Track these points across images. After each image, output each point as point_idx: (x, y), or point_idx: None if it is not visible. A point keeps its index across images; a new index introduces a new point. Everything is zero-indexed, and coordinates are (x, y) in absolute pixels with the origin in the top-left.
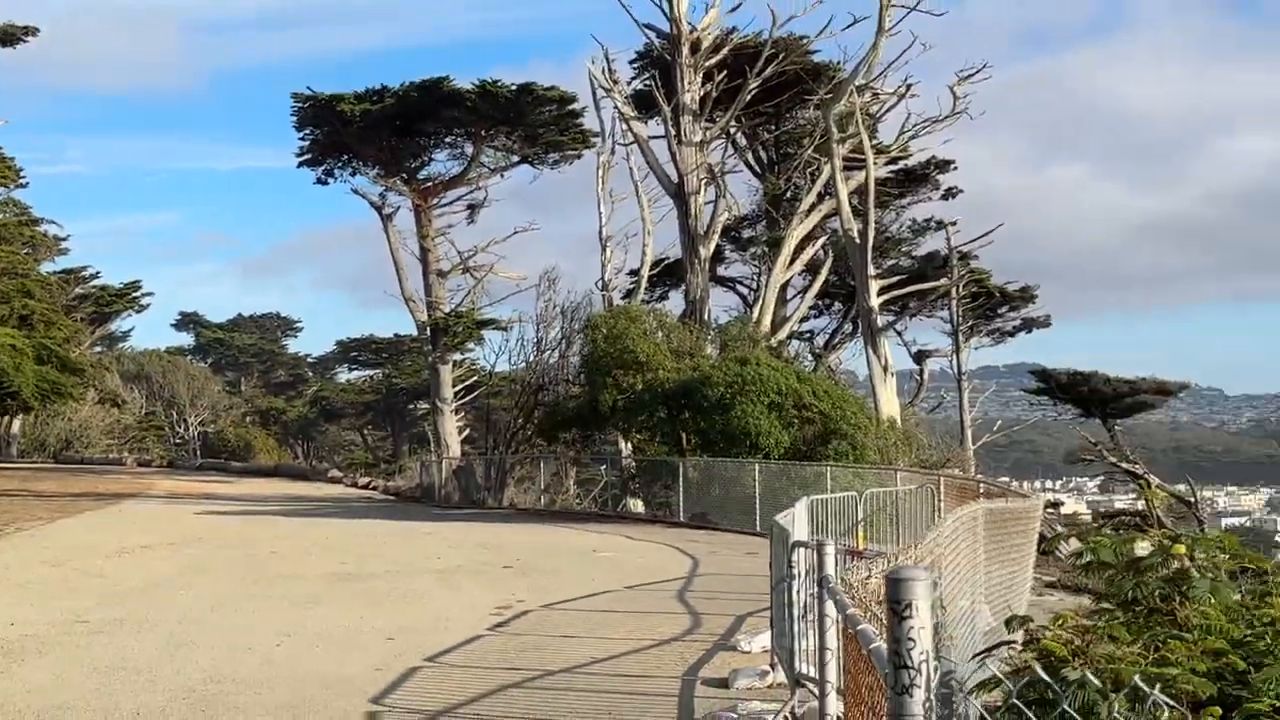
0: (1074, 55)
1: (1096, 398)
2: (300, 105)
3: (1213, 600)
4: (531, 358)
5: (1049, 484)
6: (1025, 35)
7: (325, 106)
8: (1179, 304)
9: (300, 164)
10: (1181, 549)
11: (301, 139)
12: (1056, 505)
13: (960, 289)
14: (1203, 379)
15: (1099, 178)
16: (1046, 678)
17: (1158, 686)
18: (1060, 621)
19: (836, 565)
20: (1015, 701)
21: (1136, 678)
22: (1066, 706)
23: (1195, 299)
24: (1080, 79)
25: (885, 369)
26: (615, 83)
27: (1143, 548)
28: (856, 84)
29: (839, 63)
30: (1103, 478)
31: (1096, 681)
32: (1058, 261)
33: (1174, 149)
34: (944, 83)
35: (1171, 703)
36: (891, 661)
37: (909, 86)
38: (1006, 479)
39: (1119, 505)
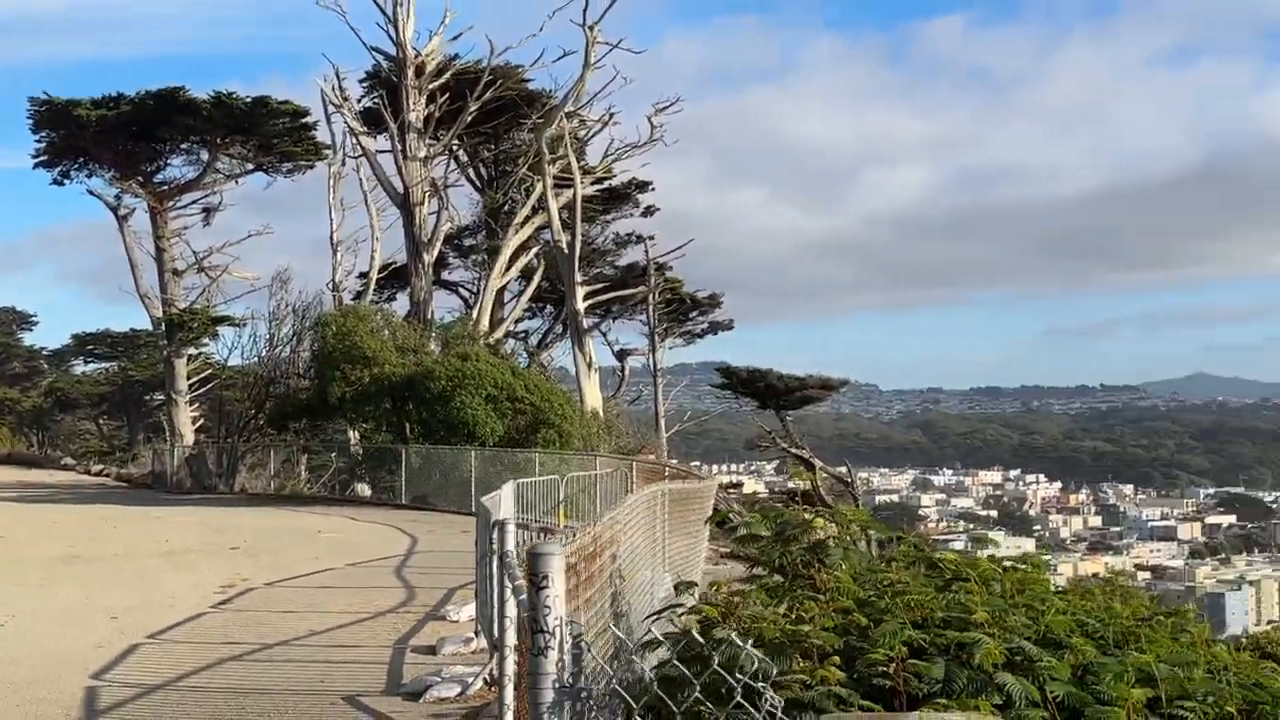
0: (755, 93)
1: (772, 392)
2: (37, 109)
3: (844, 566)
4: (264, 353)
5: (734, 467)
6: (714, 74)
7: (62, 111)
8: (842, 311)
9: (36, 165)
10: (821, 522)
11: (38, 141)
12: (738, 486)
13: (656, 295)
14: (861, 376)
15: (776, 201)
16: (699, 637)
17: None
18: (715, 587)
19: (519, 542)
20: (677, 665)
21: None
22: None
23: (856, 307)
24: (761, 114)
25: (590, 365)
26: (345, 99)
27: (817, 524)
28: (566, 111)
29: (550, 91)
30: (778, 461)
31: (738, 640)
32: (741, 273)
33: (839, 178)
34: (643, 113)
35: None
36: (530, 626)
37: (612, 115)
38: (697, 463)
39: (791, 486)
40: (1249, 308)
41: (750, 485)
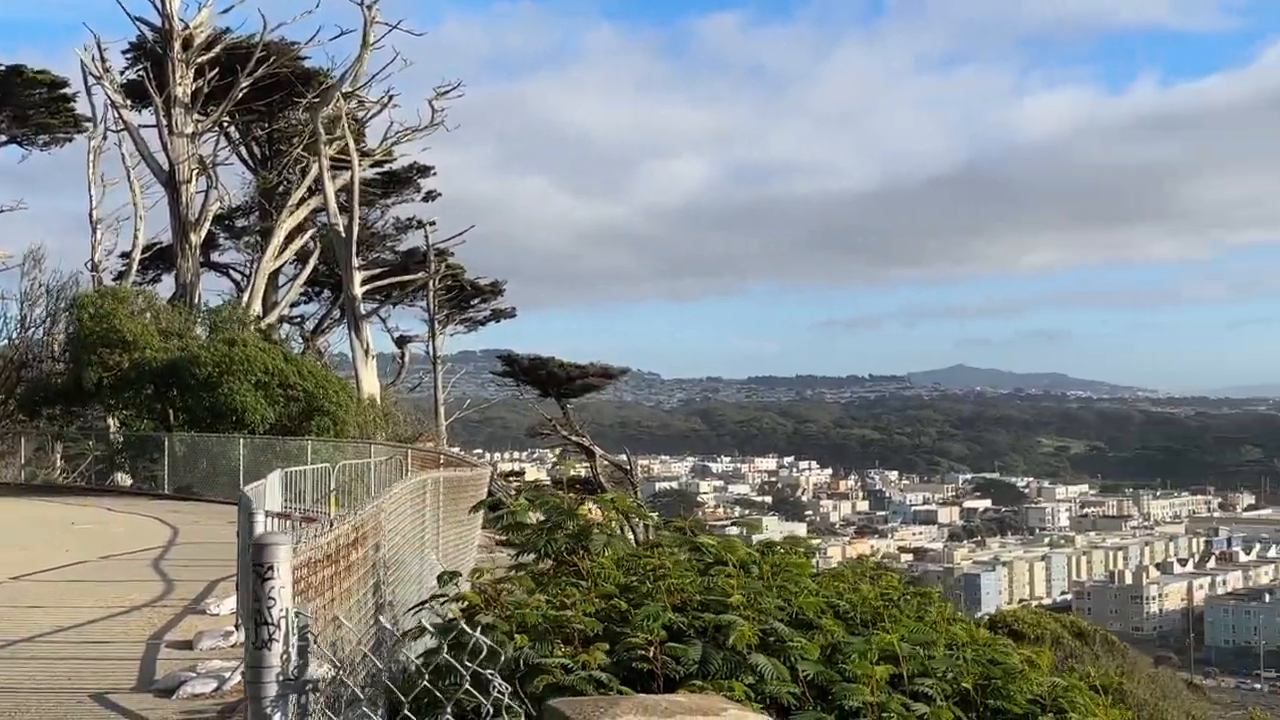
0: (536, 81)
1: (553, 380)
2: None
3: (608, 552)
4: (15, 335)
5: (517, 455)
6: (495, 60)
7: None
8: (625, 300)
9: None
10: (587, 509)
11: None
12: (520, 473)
13: (437, 282)
14: (643, 365)
15: (558, 189)
16: (465, 625)
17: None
18: (478, 574)
19: (269, 532)
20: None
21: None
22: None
23: (638, 296)
24: (542, 102)
25: (367, 352)
26: (106, 70)
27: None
28: (343, 91)
29: (328, 70)
30: (561, 449)
31: (503, 625)
32: (524, 260)
33: (620, 168)
34: (424, 97)
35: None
36: (253, 619)
37: (391, 97)
38: (480, 451)
39: (573, 473)
40: (1005, 303)
41: (533, 473)
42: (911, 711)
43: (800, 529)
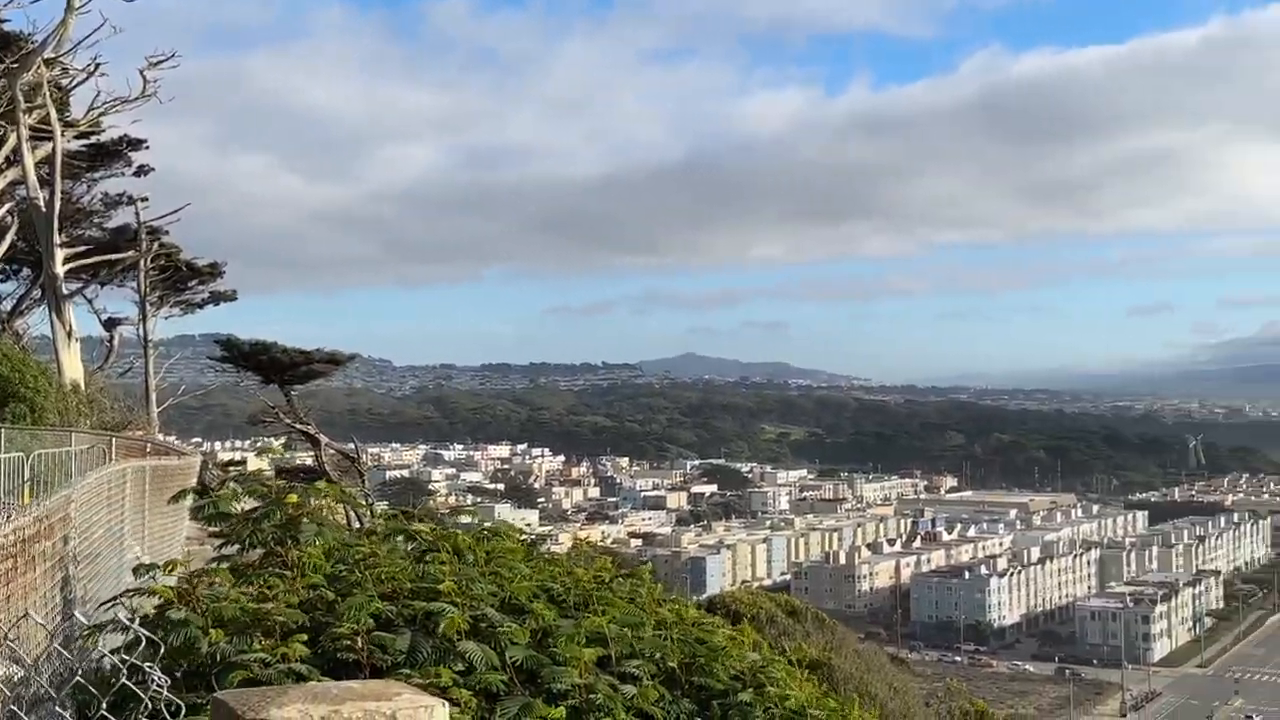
0: (259, 56)
1: (276, 366)
2: None
3: (318, 542)
4: None
5: (240, 443)
6: (215, 32)
7: None
8: (355, 285)
9: None
10: (294, 498)
11: None
12: (241, 462)
13: (149, 261)
14: (374, 351)
15: (282, 168)
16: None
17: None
18: (169, 567)
19: None
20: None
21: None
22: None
23: (369, 281)
24: (265, 78)
25: (70, 335)
26: None
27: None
28: (45, 56)
29: (28, 34)
30: (285, 438)
31: (199, 619)
32: (248, 241)
33: (348, 148)
34: (135, 66)
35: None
36: None
37: (99, 65)
38: (198, 439)
39: (299, 462)
40: (732, 294)
41: (256, 462)
42: (619, 692)
43: (533, 516)
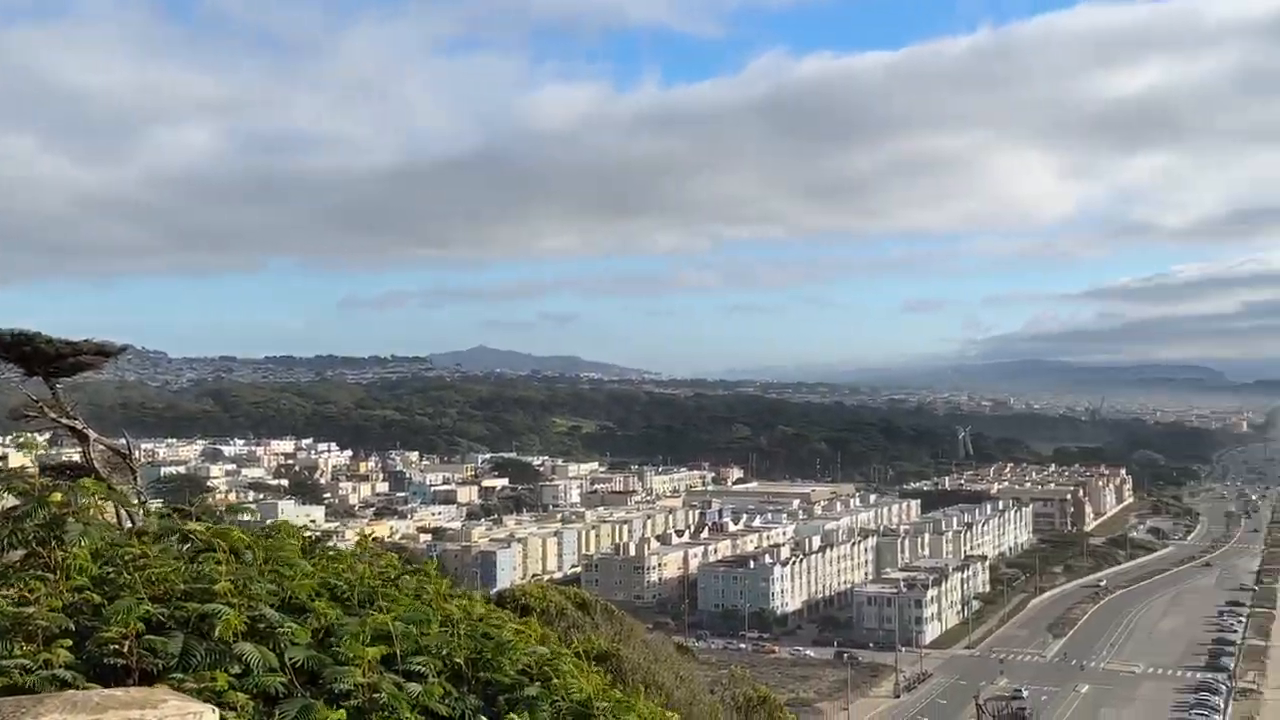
0: (19, 32)
1: (40, 357)
2: None
3: (84, 542)
4: None
5: (4, 439)
6: None
7: None
8: (129, 273)
9: None
10: (58, 497)
11: None
12: (3, 458)
13: None
14: (149, 342)
15: (47, 149)
16: None
17: None
18: None
19: None
20: None
21: None
22: None
23: (144, 269)
24: (25, 55)
25: None
26: None
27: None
28: None
29: None
30: (50, 434)
31: None
32: (7, 226)
33: (121, 131)
34: None
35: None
36: None
37: None
38: None
39: (66, 459)
40: (524, 286)
41: (18, 459)
42: (404, 690)
43: (318, 512)
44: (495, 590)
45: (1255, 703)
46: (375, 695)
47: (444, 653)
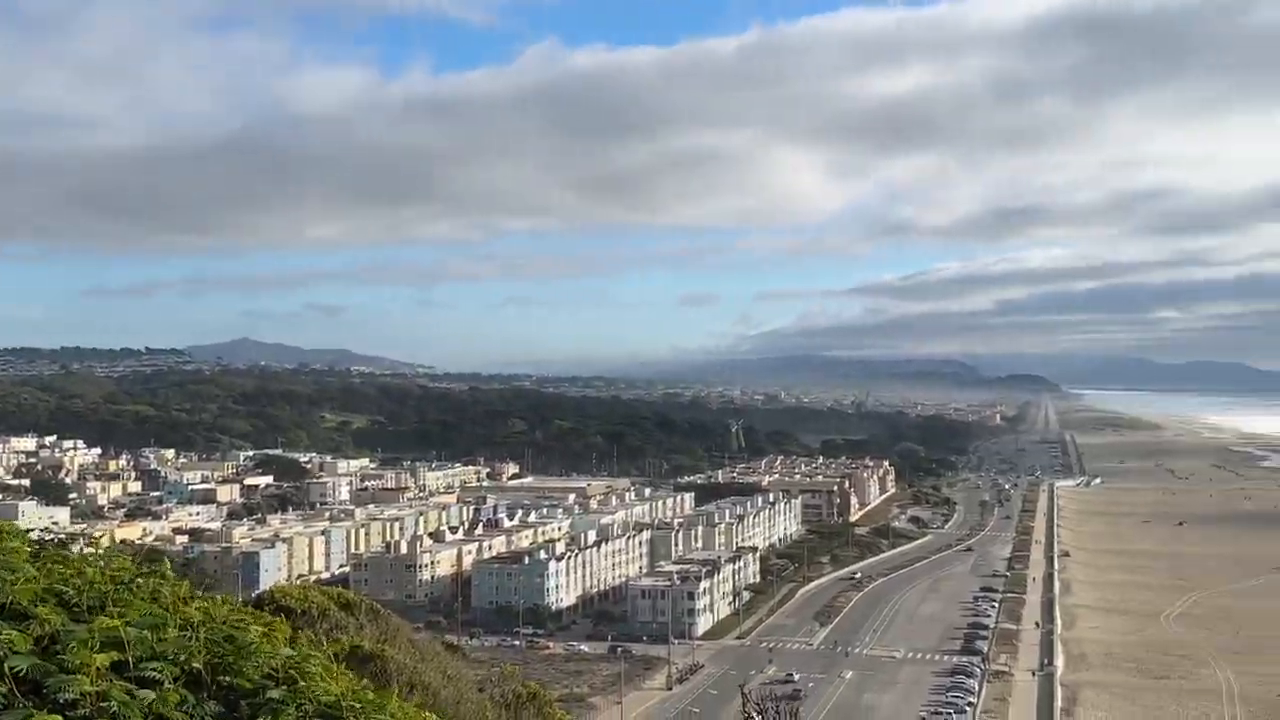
0: None
1: None
2: None
3: None
4: None
5: None
6: None
7: None
8: None
9: None
10: None
11: None
12: None
13: None
14: None
15: None
16: None
17: None
18: None
19: None
20: None
21: None
22: None
23: None
24: None
25: None
26: None
27: None
28: None
29: None
30: None
31: None
32: None
33: None
34: None
35: None
36: None
37: None
38: None
39: None
40: (289, 276)
41: None
42: (136, 698)
43: (62, 514)
44: (255, 593)
45: (1007, 684)
46: (104, 704)
47: (181, 658)
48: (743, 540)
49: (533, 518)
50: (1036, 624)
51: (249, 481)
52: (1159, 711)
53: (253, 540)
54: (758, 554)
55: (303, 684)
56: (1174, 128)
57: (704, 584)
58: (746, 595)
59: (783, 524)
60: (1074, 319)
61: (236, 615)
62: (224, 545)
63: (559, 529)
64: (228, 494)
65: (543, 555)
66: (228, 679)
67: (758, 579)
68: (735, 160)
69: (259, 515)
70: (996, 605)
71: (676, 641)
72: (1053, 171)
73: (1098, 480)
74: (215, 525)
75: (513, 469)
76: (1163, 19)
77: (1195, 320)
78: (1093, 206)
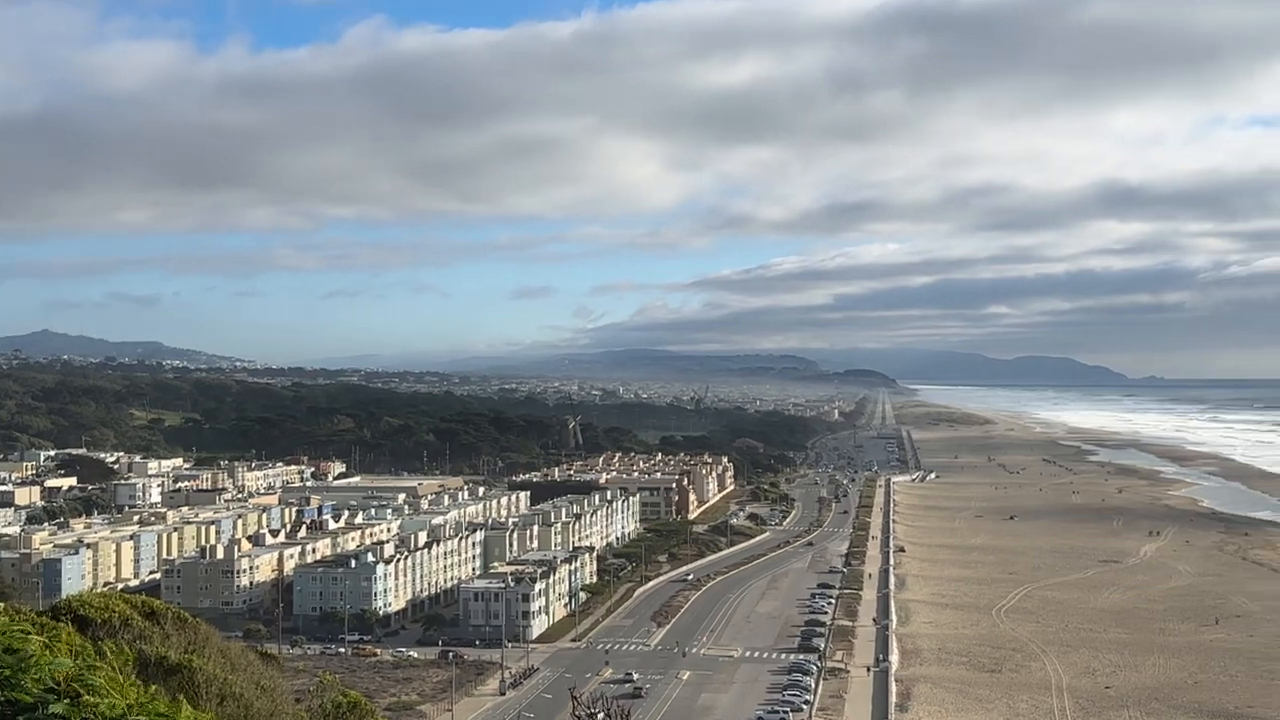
0: None
1: None
2: None
3: None
4: None
5: None
6: None
7: None
8: None
9: None
10: None
11: None
12: None
13: None
14: None
15: None
16: None
17: None
18: None
19: None
20: None
21: None
22: None
23: None
24: None
25: None
26: None
27: None
28: None
29: None
30: None
31: None
32: None
33: None
34: None
35: None
36: None
37: None
38: None
39: None
40: (95, 264)
41: None
42: None
43: None
44: (53, 602)
45: (843, 681)
46: None
47: None
48: (579, 540)
49: (360, 519)
50: (874, 620)
51: (50, 483)
52: (990, 704)
53: (54, 546)
54: (595, 554)
55: (87, 697)
56: (1005, 125)
57: (539, 585)
58: (583, 596)
59: (620, 523)
60: (910, 314)
61: (18, 626)
62: (22, 552)
63: (388, 530)
64: (26, 497)
65: (370, 558)
66: (5, 693)
67: (595, 579)
68: (571, 149)
69: (61, 519)
70: (834, 602)
71: (511, 645)
72: (888, 166)
73: (933, 475)
74: (13, 530)
75: (339, 468)
76: (995, 15)
77: (1026, 316)
78: (927, 202)
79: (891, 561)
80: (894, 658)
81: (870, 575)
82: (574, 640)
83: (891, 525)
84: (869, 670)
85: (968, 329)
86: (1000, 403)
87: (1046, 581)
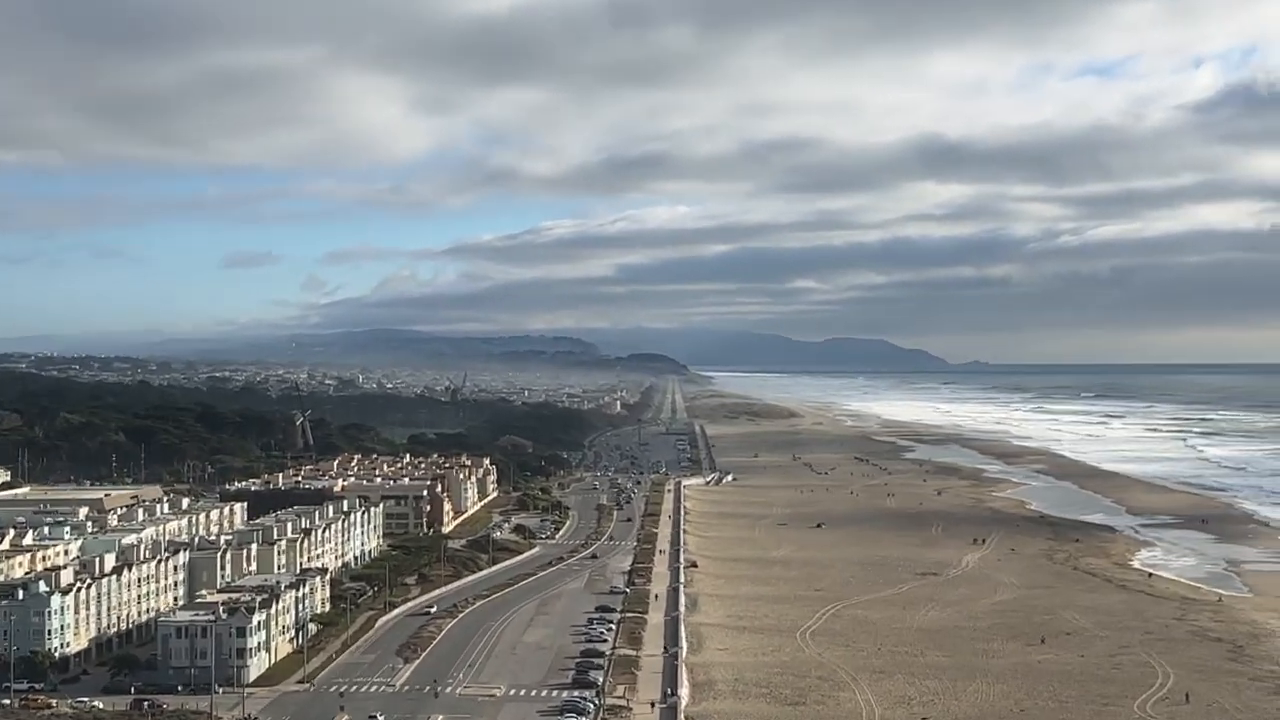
0: None
1: None
2: None
3: None
4: None
5: None
6: None
7: None
8: None
9: None
10: None
11: None
12: None
13: None
14: None
15: None
16: None
17: None
18: None
19: None
20: None
21: None
22: None
23: None
24: None
25: None
26: None
27: None
28: None
29: None
30: None
31: None
32: None
33: None
34: None
35: None
36: None
37: None
38: None
39: None
40: None
41: None
42: None
43: None
44: None
45: None
46: None
47: None
48: (309, 560)
49: (29, 539)
50: (662, 648)
51: None
52: None
53: None
54: (328, 576)
55: None
56: (811, 68)
57: (258, 617)
58: (314, 628)
59: (360, 538)
60: (704, 289)
61: None
62: None
63: (66, 553)
64: None
65: (43, 587)
66: None
67: (328, 607)
68: (296, 85)
69: None
70: (614, 628)
71: (222, 690)
72: (678, 114)
73: (729, 477)
74: None
75: (3, 476)
76: None
77: (835, 292)
78: (723, 157)
79: (682, 579)
80: (684, 691)
81: (657, 595)
82: (302, 682)
83: (682, 536)
84: (654, 706)
85: (770, 306)
86: (806, 391)
87: (857, 598)
